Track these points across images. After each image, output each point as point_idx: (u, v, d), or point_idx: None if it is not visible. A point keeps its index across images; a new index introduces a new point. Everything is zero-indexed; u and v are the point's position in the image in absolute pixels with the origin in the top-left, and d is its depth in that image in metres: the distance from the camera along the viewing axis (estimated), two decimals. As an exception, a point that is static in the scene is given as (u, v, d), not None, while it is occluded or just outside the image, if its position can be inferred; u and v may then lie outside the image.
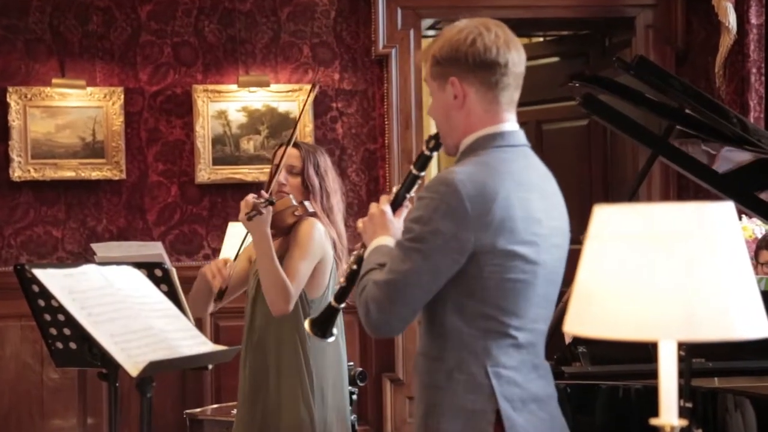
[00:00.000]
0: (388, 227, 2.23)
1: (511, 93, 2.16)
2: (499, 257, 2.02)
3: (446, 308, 2.07)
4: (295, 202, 3.27)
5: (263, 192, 3.16)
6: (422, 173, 2.30)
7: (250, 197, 3.12)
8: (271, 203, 3.11)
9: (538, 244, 2.08)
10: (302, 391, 3.25)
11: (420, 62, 2.33)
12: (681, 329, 1.40)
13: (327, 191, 3.36)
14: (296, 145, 3.36)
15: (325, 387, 3.29)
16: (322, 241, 3.28)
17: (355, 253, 2.35)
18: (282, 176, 3.29)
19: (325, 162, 3.38)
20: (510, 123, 2.16)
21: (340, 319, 3.33)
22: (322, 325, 2.44)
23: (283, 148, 3.32)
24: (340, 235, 3.38)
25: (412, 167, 2.32)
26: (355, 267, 2.32)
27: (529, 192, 2.10)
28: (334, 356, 3.35)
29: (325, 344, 3.25)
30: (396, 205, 2.28)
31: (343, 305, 2.40)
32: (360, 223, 2.30)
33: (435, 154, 2.29)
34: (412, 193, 2.31)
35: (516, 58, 2.13)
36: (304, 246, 3.24)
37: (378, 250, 2.18)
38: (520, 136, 2.17)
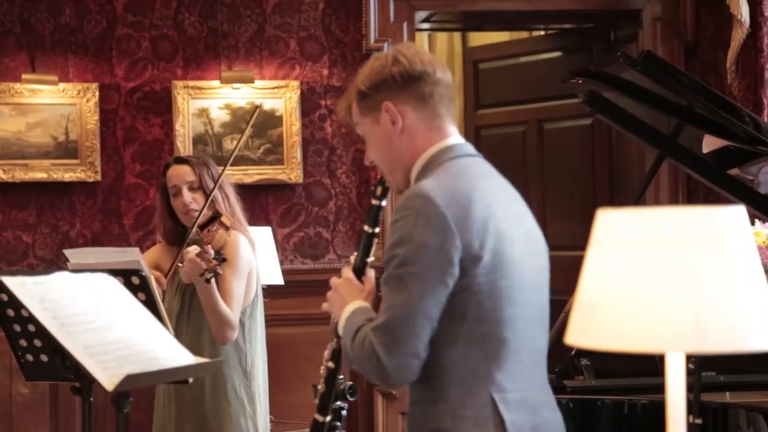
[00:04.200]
0: (357, 293, 2.19)
1: (448, 104, 2.18)
2: (488, 263, 2.01)
3: (438, 342, 2.03)
4: (220, 230, 3.42)
5: (209, 248, 3.26)
6: (377, 229, 2.27)
7: (195, 257, 3.21)
8: (224, 260, 3.26)
9: (522, 246, 2.09)
10: (243, 409, 3.41)
11: (341, 114, 2.32)
12: (690, 341, 1.41)
13: (228, 196, 3.50)
14: (183, 161, 3.52)
15: (257, 395, 3.48)
16: (248, 253, 3.46)
17: (327, 350, 2.31)
18: (187, 197, 3.42)
19: (216, 168, 3.53)
20: (455, 137, 2.18)
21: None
22: None
23: (172, 170, 3.47)
24: (251, 238, 3.54)
25: (365, 226, 2.28)
26: (332, 365, 2.28)
27: (498, 194, 2.12)
28: (262, 366, 3.54)
29: (258, 354, 3.49)
30: (359, 272, 2.24)
31: (329, 417, 2.31)
32: (324, 304, 2.25)
33: (384, 202, 2.27)
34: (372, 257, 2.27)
35: (441, 68, 2.18)
36: (235, 265, 3.40)
37: (357, 312, 2.14)
38: (470, 148, 2.19)
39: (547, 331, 2.17)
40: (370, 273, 2.25)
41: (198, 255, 3.21)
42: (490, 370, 2.04)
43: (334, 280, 2.24)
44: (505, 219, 2.07)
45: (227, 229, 3.42)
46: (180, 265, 3.34)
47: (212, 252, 3.24)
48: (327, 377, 2.30)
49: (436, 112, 2.15)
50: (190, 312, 3.43)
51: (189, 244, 3.31)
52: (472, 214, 2.01)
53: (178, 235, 3.51)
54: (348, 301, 2.18)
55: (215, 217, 3.42)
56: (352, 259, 2.28)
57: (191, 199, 3.41)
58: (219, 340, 3.36)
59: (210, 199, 3.41)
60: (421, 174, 2.13)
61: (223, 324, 3.32)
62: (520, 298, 2.06)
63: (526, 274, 2.08)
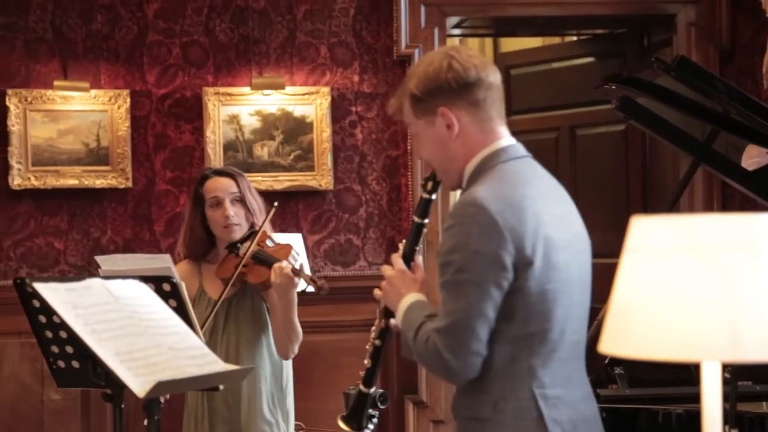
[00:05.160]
0: (412, 285, 2.31)
1: (498, 107, 2.26)
2: (538, 267, 2.10)
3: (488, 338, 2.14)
4: (273, 245, 3.45)
5: (296, 265, 3.30)
6: (426, 220, 2.39)
7: (288, 269, 3.25)
8: (324, 277, 3.33)
9: (568, 250, 2.17)
10: (277, 425, 3.42)
11: (392, 112, 2.41)
12: (725, 349, 1.40)
13: (263, 211, 3.51)
14: (225, 173, 3.50)
15: (291, 409, 3.49)
16: None
17: (373, 328, 2.43)
18: (230, 209, 3.41)
19: (248, 180, 3.55)
20: (506, 138, 2.27)
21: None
22: (358, 417, 2.47)
23: (213, 182, 3.45)
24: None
25: (414, 216, 2.41)
26: (378, 342, 2.42)
27: (547, 198, 2.20)
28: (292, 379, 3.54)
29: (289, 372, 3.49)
30: (408, 261, 2.36)
31: (373, 389, 2.46)
32: (377, 291, 2.37)
33: (434, 196, 2.39)
34: (420, 245, 2.39)
35: (492, 71, 2.25)
36: None
37: (416, 307, 2.25)
38: (521, 148, 2.28)
39: (586, 327, 2.26)
40: (419, 260, 2.38)
41: (293, 271, 3.25)
42: (533, 367, 2.13)
43: (387, 272, 2.35)
44: (553, 223, 2.15)
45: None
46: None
47: (308, 270, 3.30)
48: (373, 353, 2.44)
49: (488, 115, 2.23)
50: (224, 330, 3.40)
51: (264, 263, 3.33)
52: (524, 222, 2.10)
53: (206, 249, 3.51)
54: (404, 294, 2.29)
55: (254, 231, 3.42)
56: (401, 246, 2.39)
57: (234, 213, 3.40)
58: (285, 354, 3.38)
59: (258, 229, 3.44)
60: (474, 175, 2.21)
61: (295, 338, 3.35)
62: (565, 300, 2.15)
63: (571, 276, 2.17)
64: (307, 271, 4.40)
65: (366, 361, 2.45)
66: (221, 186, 3.43)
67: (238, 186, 3.43)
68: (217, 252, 3.49)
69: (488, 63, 2.26)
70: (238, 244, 3.41)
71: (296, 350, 3.38)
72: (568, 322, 2.17)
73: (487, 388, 2.15)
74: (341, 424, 2.47)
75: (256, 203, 3.47)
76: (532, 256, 2.09)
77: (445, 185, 2.33)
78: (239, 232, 3.41)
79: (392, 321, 2.41)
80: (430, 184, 2.38)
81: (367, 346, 2.46)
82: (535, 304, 2.11)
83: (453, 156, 2.24)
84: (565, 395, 2.17)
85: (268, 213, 3.44)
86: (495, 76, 2.24)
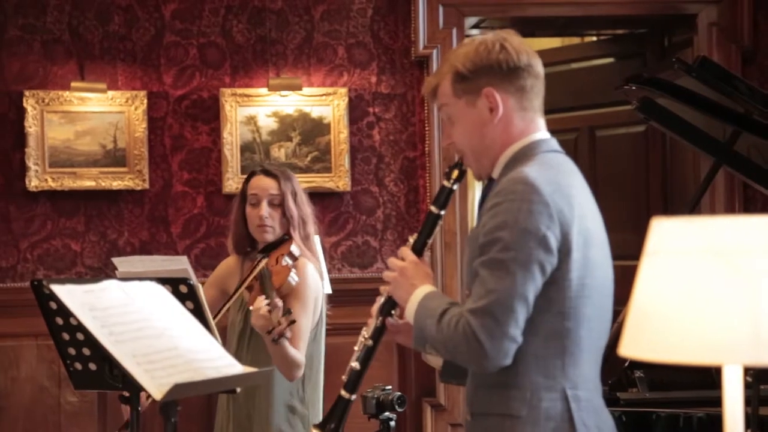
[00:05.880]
0: (426, 277, 2.23)
1: (540, 99, 2.22)
2: (577, 259, 2.06)
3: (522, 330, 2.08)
4: (288, 263, 3.32)
5: (278, 302, 3.12)
6: (443, 212, 2.29)
7: (266, 313, 3.08)
8: (293, 322, 3.13)
9: (602, 249, 2.15)
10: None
11: (427, 92, 2.33)
12: (747, 352, 1.39)
13: (304, 219, 3.43)
14: (270, 174, 3.45)
15: (311, 420, 3.40)
16: (316, 282, 3.40)
17: (365, 328, 2.33)
18: (264, 211, 3.37)
19: (298, 185, 3.47)
20: (543, 131, 2.22)
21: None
22: (334, 426, 2.32)
23: (257, 180, 3.43)
24: (320, 261, 3.50)
25: (431, 206, 2.30)
26: (371, 343, 2.30)
27: (584, 193, 2.17)
28: (321, 388, 3.49)
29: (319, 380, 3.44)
30: (418, 253, 2.28)
31: (355, 396, 2.32)
32: (383, 288, 2.30)
33: (456, 186, 2.29)
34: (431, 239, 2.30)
35: (540, 62, 2.22)
36: (303, 298, 3.33)
37: (433, 297, 2.17)
38: (557, 144, 2.24)
39: (608, 334, 2.21)
40: (426, 256, 2.31)
41: (269, 311, 3.11)
42: (566, 365, 2.08)
43: (396, 263, 2.27)
44: (592, 219, 2.13)
45: (295, 259, 3.34)
46: (247, 283, 3.33)
47: (281, 307, 3.11)
48: (363, 355, 2.31)
49: (532, 105, 2.19)
50: (252, 332, 3.36)
51: (258, 280, 3.25)
52: (572, 208, 2.06)
53: (245, 244, 3.49)
54: (417, 285, 2.21)
55: (284, 239, 3.38)
56: (411, 239, 2.30)
57: (268, 215, 3.36)
58: (287, 378, 3.31)
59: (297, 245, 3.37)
60: (511, 163, 2.15)
61: (291, 366, 3.25)
62: (596, 300, 2.11)
63: (603, 276, 2.14)
64: (323, 273, 4.32)
65: (354, 364, 2.31)
66: (262, 185, 3.41)
67: (280, 188, 3.39)
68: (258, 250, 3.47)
69: (537, 54, 2.21)
70: (258, 255, 3.37)
71: (298, 374, 3.28)
72: (596, 324, 2.13)
73: (518, 383, 2.08)
74: None
75: (298, 211, 3.40)
76: (572, 245, 2.04)
77: (474, 173, 2.25)
78: (272, 235, 3.38)
79: (389, 320, 2.31)
80: (455, 173, 2.27)
81: (356, 347, 2.34)
82: (573, 299, 2.06)
83: (490, 142, 2.17)
84: (593, 399, 2.13)
85: (257, 264, 3.32)
86: (541, 69, 2.21)
